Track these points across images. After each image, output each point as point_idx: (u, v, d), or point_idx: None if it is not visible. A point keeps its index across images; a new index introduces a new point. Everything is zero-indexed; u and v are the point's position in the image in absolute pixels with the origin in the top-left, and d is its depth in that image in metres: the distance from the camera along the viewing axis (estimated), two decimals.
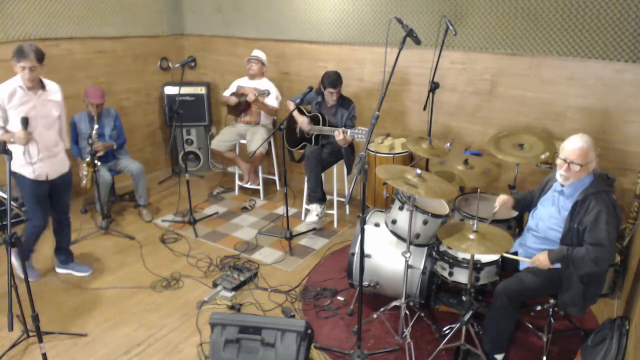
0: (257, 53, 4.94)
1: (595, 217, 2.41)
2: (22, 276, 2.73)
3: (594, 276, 2.54)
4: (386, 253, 3.17)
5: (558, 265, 2.55)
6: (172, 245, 4.24)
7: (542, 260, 2.55)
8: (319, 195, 4.35)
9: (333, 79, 4.16)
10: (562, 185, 2.64)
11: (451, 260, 2.88)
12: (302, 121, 4.33)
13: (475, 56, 4.03)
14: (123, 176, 4.82)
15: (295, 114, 4.38)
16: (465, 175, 3.38)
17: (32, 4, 4.48)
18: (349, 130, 3.92)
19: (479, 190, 3.07)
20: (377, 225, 3.29)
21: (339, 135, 3.94)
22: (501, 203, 2.93)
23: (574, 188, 2.58)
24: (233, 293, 3.47)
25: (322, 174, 4.35)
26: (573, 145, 2.51)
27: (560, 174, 2.59)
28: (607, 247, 2.39)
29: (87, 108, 4.34)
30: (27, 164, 3.21)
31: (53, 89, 3.38)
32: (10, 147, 2.70)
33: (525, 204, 2.97)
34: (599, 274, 2.57)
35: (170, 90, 5.58)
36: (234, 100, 4.95)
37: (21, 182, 3.28)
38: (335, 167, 4.52)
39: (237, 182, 5.36)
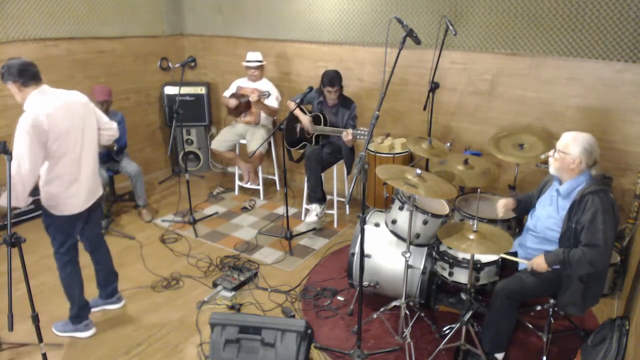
0: (255, 56, 4.92)
1: (591, 216, 2.41)
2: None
3: (593, 276, 2.53)
4: (386, 253, 3.17)
5: (557, 266, 2.55)
6: (172, 245, 4.24)
7: (539, 263, 2.56)
8: (319, 195, 4.35)
9: (331, 77, 4.16)
10: (560, 183, 2.65)
11: (451, 260, 2.88)
12: (305, 121, 4.32)
13: (475, 56, 4.03)
14: (122, 176, 4.82)
15: (299, 113, 4.37)
16: (465, 175, 3.39)
17: (32, 4, 4.48)
18: (350, 131, 3.92)
19: (479, 190, 3.07)
20: (377, 225, 3.29)
21: (347, 136, 3.93)
22: (503, 207, 2.94)
23: (570, 187, 2.59)
24: (233, 293, 3.47)
25: (322, 174, 4.35)
26: (564, 135, 2.60)
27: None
28: (602, 247, 2.38)
29: None
30: None
31: None
32: None
33: (525, 207, 2.98)
34: (599, 273, 2.57)
35: (170, 90, 5.58)
36: (233, 102, 4.95)
37: None
38: (335, 167, 4.52)
39: (237, 182, 5.36)
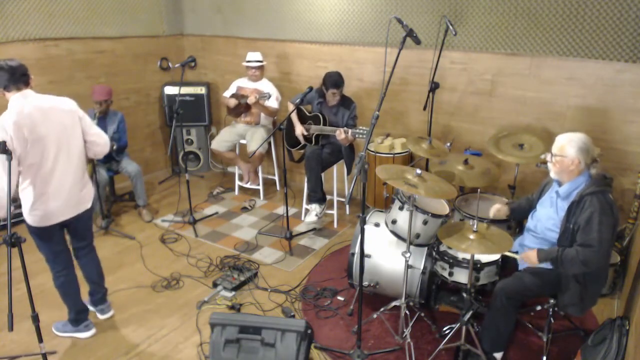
0: (256, 56, 4.92)
1: (588, 217, 2.42)
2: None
3: (590, 276, 2.53)
4: (386, 253, 3.17)
5: (548, 265, 2.55)
6: (172, 245, 4.24)
7: (530, 257, 2.57)
8: (319, 196, 4.35)
9: (335, 80, 4.16)
10: (559, 185, 2.66)
11: (451, 260, 2.88)
12: (298, 130, 4.34)
13: (475, 56, 4.03)
14: (123, 176, 4.82)
15: (294, 119, 4.38)
16: (465, 175, 3.39)
17: (32, 4, 4.48)
18: (350, 130, 3.92)
19: (479, 190, 3.07)
20: (377, 225, 3.29)
21: (340, 134, 3.94)
22: (495, 211, 2.98)
23: (569, 189, 2.59)
24: (233, 293, 3.47)
25: (322, 174, 4.35)
26: (557, 139, 2.59)
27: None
28: (596, 247, 2.38)
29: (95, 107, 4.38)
30: None
31: None
32: None
33: (521, 212, 2.98)
34: (596, 274, 2.57)
35: (170, 90, 5.58)
36: (233, 102, 4.95)
37: None
38: (335, 167, 4.52)
39: (237, 182, 5.36)
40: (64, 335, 3.11)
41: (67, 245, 3.00)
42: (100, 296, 3.27)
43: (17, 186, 2.69)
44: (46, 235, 2.82)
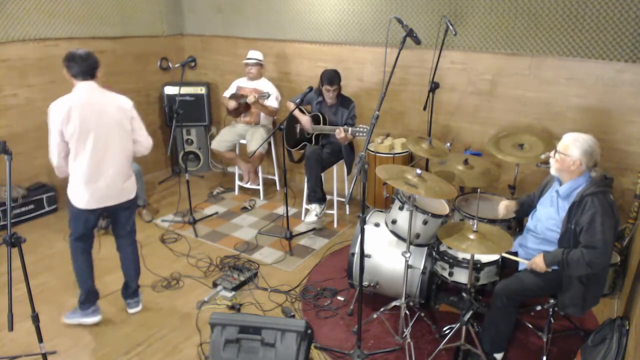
0: (255, 54, 4.93)
1: (590, 218, 2.41)
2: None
3: (593, 277, 2.53)
4: (386, 253, 3.17)
5: (556, 266, 2.55)
6: (172, 245, 4.24)
7: (538, 263, 2.56)
8: (319, 195, 4.35)
9: (329, 76, 4.16)
10: (560, 184, 2.66)
11: (451, 260, 2.88)
12: (305, 121, 4.33)
13: (475, 56, 4.03)
14: None
15: (298, 113, 4.38)
16: (465, 175, 3.38)
17: (32, 4, 4.48)
18: (350, 129, 3.92)
19: (479, 190, 3.07)
20: (377, 225, 3.29)
21: (340, 133, 3.94)
22: (505, 208, 2.96)
23: (569, 188, 2.59)
24: (233, 293, 3.47)
25: (322, 174, 4.35)
26: (564, 137, 2.59)
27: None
28: (601, 249, 2.38)
29: None
30: None
31: None
32: None
33: (526, 209, 2.98)
34: (599, 275, 2.57)
35: (170, 90, 5.58)
36: (232, 105, 4.96)
37: None
38: (335, 167, 4.52)
39: (237, 182, 5.36)
40: (73, 321, 3.18)
41: (94, 233, 3.20)
42: (130, 291, 3.36)
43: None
44: (80, 216, 3.01)
